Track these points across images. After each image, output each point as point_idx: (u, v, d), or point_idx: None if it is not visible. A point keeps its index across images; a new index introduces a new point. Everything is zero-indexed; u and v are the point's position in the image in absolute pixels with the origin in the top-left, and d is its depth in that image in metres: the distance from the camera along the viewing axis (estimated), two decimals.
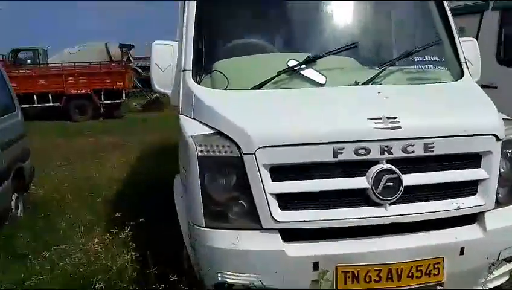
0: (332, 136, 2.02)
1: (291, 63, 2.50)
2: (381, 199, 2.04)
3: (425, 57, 2.70)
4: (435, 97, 2.43)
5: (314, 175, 2.04)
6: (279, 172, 2.03)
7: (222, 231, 2.06)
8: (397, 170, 2.04)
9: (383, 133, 2.03)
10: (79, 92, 15.27)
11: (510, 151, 2.26)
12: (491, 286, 2.30)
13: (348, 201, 2.06)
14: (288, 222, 2.02)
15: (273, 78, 2.45)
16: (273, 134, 2.04)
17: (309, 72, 2.49)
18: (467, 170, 2.16)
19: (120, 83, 15.67)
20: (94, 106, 15.51)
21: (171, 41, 2.79)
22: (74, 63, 15.43)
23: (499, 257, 2.21)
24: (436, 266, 2.08)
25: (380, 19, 2.93)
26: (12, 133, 4.13)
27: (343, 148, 2.01)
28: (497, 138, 2.17)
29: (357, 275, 2.03)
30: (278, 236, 2.04)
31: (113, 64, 16.14)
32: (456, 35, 2.86)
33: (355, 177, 2.05)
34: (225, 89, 2.48)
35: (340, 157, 2.02)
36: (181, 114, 2.57)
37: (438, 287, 2.13)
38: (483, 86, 3.68)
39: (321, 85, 2.46)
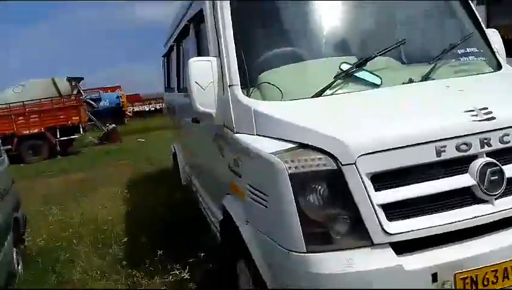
0: (434, 134, 1.89)
1: (345, 67, 2.39)
2: (488, 195, 1.93)
3: (467, 49, 2.71)
4: (500, 86, 2.40)
5: (418, 178, 1.89)
6: (381, 180, 1.86)
7: (328, 254, 1.84)
8: (498, 162, 1.94)
9: (481, 126, 1.93)
10: (31, 131, 14.30)
11: None
12: None
13: (454, 201, 1.93)
14: (401, 233, 1.84)
15: (331, 84, 2.32)
16: (373, 139, 1.87)
17: (363, 74, 2.39)
18: None
19: (76, 118, 14.94)
20: (49, 145, 14.56)
21: (207, 56, 2.57)
22: (23, 102, 14.41)
23: None
24: None
25: (412, 15, 2.91)
26: (5, 179, 3.62)
27: (446, 146, 1.89)
28: None
29: (475, 279, 1.89)
30: (391, 250, 1.85)
31: (64, 99, 15.28)
32: (484, 27, 2.90)
33: (459, 175, 1.93)
34: (281, 100, 2.31)
35: (443, 156, 1.89)
36: (237, 133, 2.34)
37: None
38: None
39: (377, 86, 2.36)
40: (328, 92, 2.31)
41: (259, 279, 2.16)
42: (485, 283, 1.89)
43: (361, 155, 1.83)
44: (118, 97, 25.88)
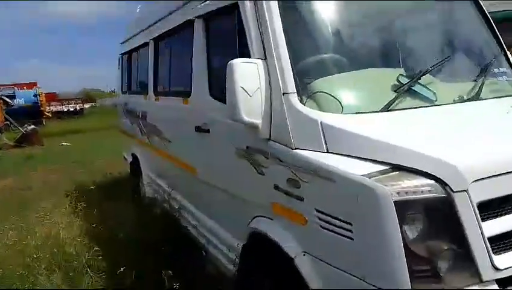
0: None
1: (403, 80, 2.23)
2: None
3: (500, 68, 2.71)
4: None
5: None
6: (488, 209, 1.69)
7: None
8: None
9: None
10: None
11: None
12: None
13: None
14: (509, 268, 1.68)
15: (397, 96, 2.14)
16: (486, 164, 1.70)
17: (420, 89, 2.26)
18: None
19: None
20: None
21: (253, 59, 2.23)
22: None
23: None
24: None
25: (445, 31, 2.86)
26: None
27: None
28: None
29: None
30: (496, 286, 1.68)
31: None
32: (504, 46, 2.95)
33: None
34: (342, 113, 2.08)
35: None
36: (296, 148, 2.03)
37: None
38: None
39: (433, 102, 2.24)
40: (385, 106, 2.12)
41: None
42: None
43: (474, 181, 1.64)
44: (35, 95, 23.52)
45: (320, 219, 1.89)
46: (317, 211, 1.91)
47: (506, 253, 1.71)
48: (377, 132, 1.88)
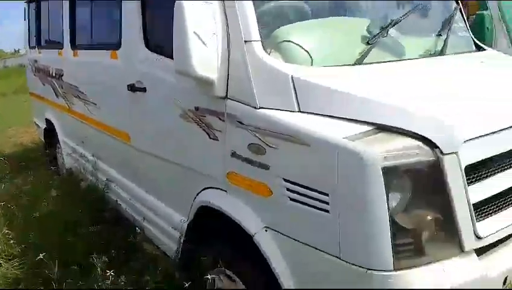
0: None
1: (373, 30, 2.03)
2: None
3: (458, 24, 2.63)
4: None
5: (508, 166, 1.65)
6: (475, 172, 1.54)
7: (418, 269, 1.44)
8: None
9: None
10: None
11: None
12: None
13: None
14: (490, 235, 1.56)
15: (370, 49, 1.93)
16: (476, 121, 1.54)
17: (390, 41, 2.08)
18: None
19: None
20: None
21: None
22: None
23: None
24: None
25: None
26: None
27: None
28: None
29: None
30: (476, 256, 1.55)
31: None
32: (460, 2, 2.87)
33: None
34: (312, 66, 1.82)
35: None
36: (261, 108, 1.73)
37: None
38: None
39: (402, 56, 2.08)
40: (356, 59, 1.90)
41: None
42: None
43: (466, 141, 1.47)
44: None
45: (288, 189, 1.63)
46: (286, 180, 1.64)
47: (487, 219, 1.60)
48: (355, 87, 1.64)
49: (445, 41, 2.26)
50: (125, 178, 3.10)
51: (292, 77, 1.67)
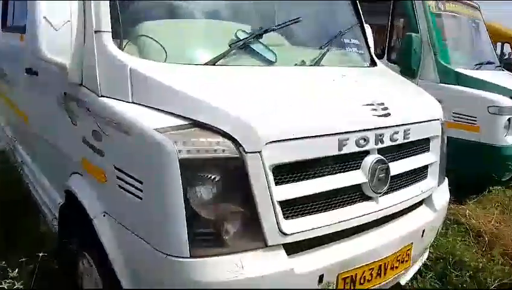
0: (340, 126, 1.75)
1: (241, 35, 2.07)
2: (375, 192, 1.90)
3: (351, 40, 2.71)
4: (387, 82, 2.45)
5: (318, 172, 1.73)
6: (282, 173, 1.63)
7: (215, 258, 1.52)
8: (385, 160, 1.93)
9: (379, 121, 1.88)
10: None
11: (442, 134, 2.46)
12: (424, 259, 2.50)
13: (345, 199, 1.84)
14: (297, 233, 1.65)
15: (227, 52, 1.98)
16: (283, 125, 1.61)
17: (259, 48, 2.12)
18: (423, 154, 2.25)
19: None
20: None
21: None
22: None
23: (437, 232, 2.42)
24: (407, 252, 2.10)
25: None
26: None
27: (348, 139, 1.76)
28: (441, 122, 2.34)
29: (354, 279, 1.85)
30: (283, 253, 1.64)
31: None
32: (363, 20, 2.97)
33: (353, 171, 1.85)
34: (165, 62, 1.86)
35: (344, 150, 1.77)
36: (102, 96, 1.79)
37: (402, 273, 2.17)
38: None
39: (272, 63, 2.13)
40: (220, 61, 1.95)
41: (114, 287, 1.72)
42: (362, 281, 1.88)
43: (269, 143, 1.55)
44: None
45: (118, 177, 1.69)
46: (116, 167, 1.70)
47: (297, 218, 1.68)
48: (186, 84, 1.70)
49: (323, 54, 2.33)
50: (30, 160, 3.14)
51: (130, 69, 1.74)
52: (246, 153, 1.52)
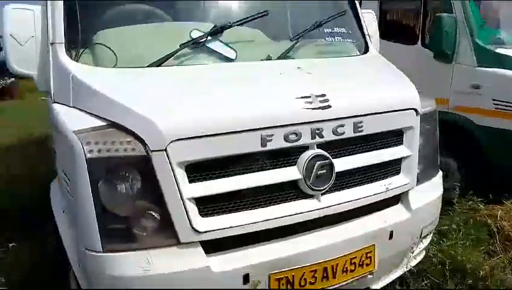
0: (260, 121, 1.69)
1: (195, 34, 2.09)
2: (314, 190, 1.80)
3: (334, 28, 2.56)
4: (355, 72, 2.29)
5: (240, 169, 1.70)
6: (197, 170, 1.63)
7: (126, 254, 1.59)
8: (328, 155, 1.82)
9: (314, 114, 1.78)
10: None
11: (426, 125, 2.22)
12: (413, 264, 2.28)
13: (278, 196, 1.78)
14: (213, 231, 1.64)
15: (174, 52, 2.00)
16: (188, 123, 1.62)
17: (217, 46, 2.11)
18: (392, 148, 2.06)
19: None
20: None
21: (29, 4, 2.12)
22: None
23: (421, 235, 2.19)
24: (368, 255, 1.94)
25: None
26: None
27: (273, 135, 1.70)
28: (417, 112, 2.11)
29: (291, 280, 1.77)
30: (200, 250, 1.65)
31: None
32: (358, 6, 2.78)
33: (285, 168, 1.77)
34: (114, 67, 1.97)
35: (270, 146, 1.71)
36: (55, 102, 1.97)
37: (369, 277, 2.02)
38: None
39: (231, 60, 2.11)
40: (171, 62, 1.99)
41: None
42: (302, 283, 1.79)
43: (174, 141, 1.57)
44: None
45: (63, 177, 1.86)
46: (61, 169, 1.87)
47: (217, 216, 1.67)
48: (111, 87, 1.79)
49: (291, 47, 2.23)
50: None
51: (72, 76, 1.88)
52: (152, 151, 1.57)
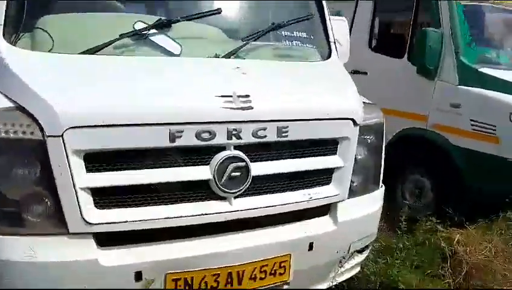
0: (169, 116, 1.64)
1: (139, 26, 2.06)
2: (225, 192, 1.74)
3: (294, 32, 2.49)
4: (295, 76, 2.21)
5: (145, 163, 1.65)
6: (97, 160, 1.59)
7: (12, 238, 1.55)
8: (246, 158, 1.75)
9: (232, 114, 1.72)
10: None
11: (367, 137, 2.14)
12: (341, 279, 2.19)
13: (185, 195, 1.72)
14: (106, 223, 1.60)
15: (111, 42, 1.95)
16: (88, 111, 1.58)
17: (160, 39, 2.07)
18: (322, 157, 1.98)
19: None
20: None
21: None
22: None
23: (349, 249, 2.10)
24: (282, 264, 1.87)
25: None
26: None
27: (183, 131, 1.65)
28: (355, 123, 2.03)
29: (190, 282, 1.72)
30: (92, 242, 1.61)
31: None
32: (326, 13, 2.70)
33: (197, 167, 1.72)
34: (49, 52, 1.95)
35: (179, 142, 1.65)
36: None
37: (284, 287, 1.94)
38: (354, 72, 3.74)
39: (174, 55, 2.06)
40: (110, 52, 1.92)
41: None
42: (203, 286, 1.73)
43: (71, 128, 1.54)
44: None
45: None
46: None
47: (113, 209, 1.63)
48: (27, 71, 1.74)
49: (239, 47, 2.15)
50: None
51: (1, 58, 1.86)
52: (48, 137, 1.54)
